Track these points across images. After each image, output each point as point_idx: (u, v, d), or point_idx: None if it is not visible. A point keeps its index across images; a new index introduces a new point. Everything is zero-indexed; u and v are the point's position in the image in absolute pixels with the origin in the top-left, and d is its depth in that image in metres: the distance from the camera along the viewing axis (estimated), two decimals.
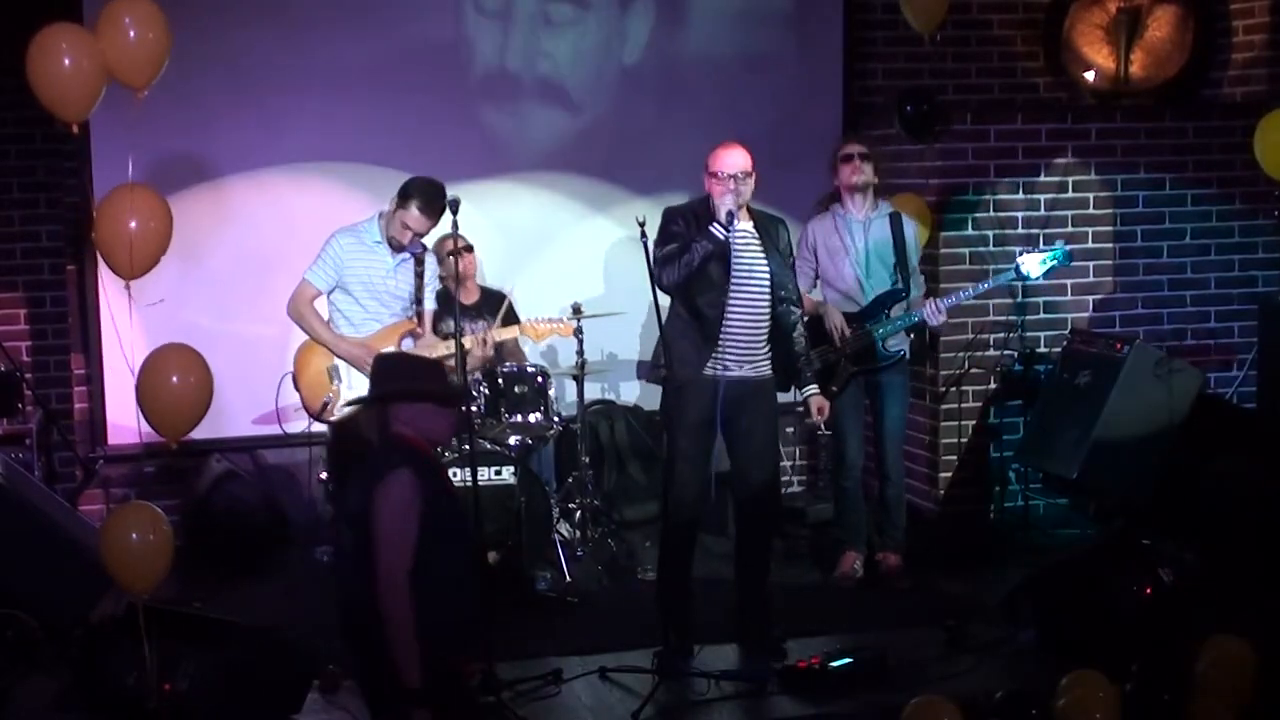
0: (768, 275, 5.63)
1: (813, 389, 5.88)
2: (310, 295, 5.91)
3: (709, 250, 5.49)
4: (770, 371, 5.72)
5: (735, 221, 5.50)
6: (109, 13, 4.43)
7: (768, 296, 5.64)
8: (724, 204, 5.50)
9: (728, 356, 5.59)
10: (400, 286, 5.93)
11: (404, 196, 5.82)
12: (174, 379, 4.44)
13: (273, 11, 7.23)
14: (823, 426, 6.11)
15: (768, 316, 5.66)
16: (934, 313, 6.35)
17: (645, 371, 5.95)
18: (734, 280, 5.56)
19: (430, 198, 5.79)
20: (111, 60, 4.39)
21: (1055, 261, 6.53)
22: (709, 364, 5.58)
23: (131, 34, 4.37)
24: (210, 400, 4.57)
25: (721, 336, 5.57)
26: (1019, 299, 7.16)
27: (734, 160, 5.57)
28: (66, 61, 4.31)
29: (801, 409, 6.00)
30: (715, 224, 5.50)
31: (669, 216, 5.68)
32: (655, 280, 5.52)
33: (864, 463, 6.58)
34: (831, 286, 6.50)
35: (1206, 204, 7.40)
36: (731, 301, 5.56)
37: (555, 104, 7.65)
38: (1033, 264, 6.49)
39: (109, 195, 4.51)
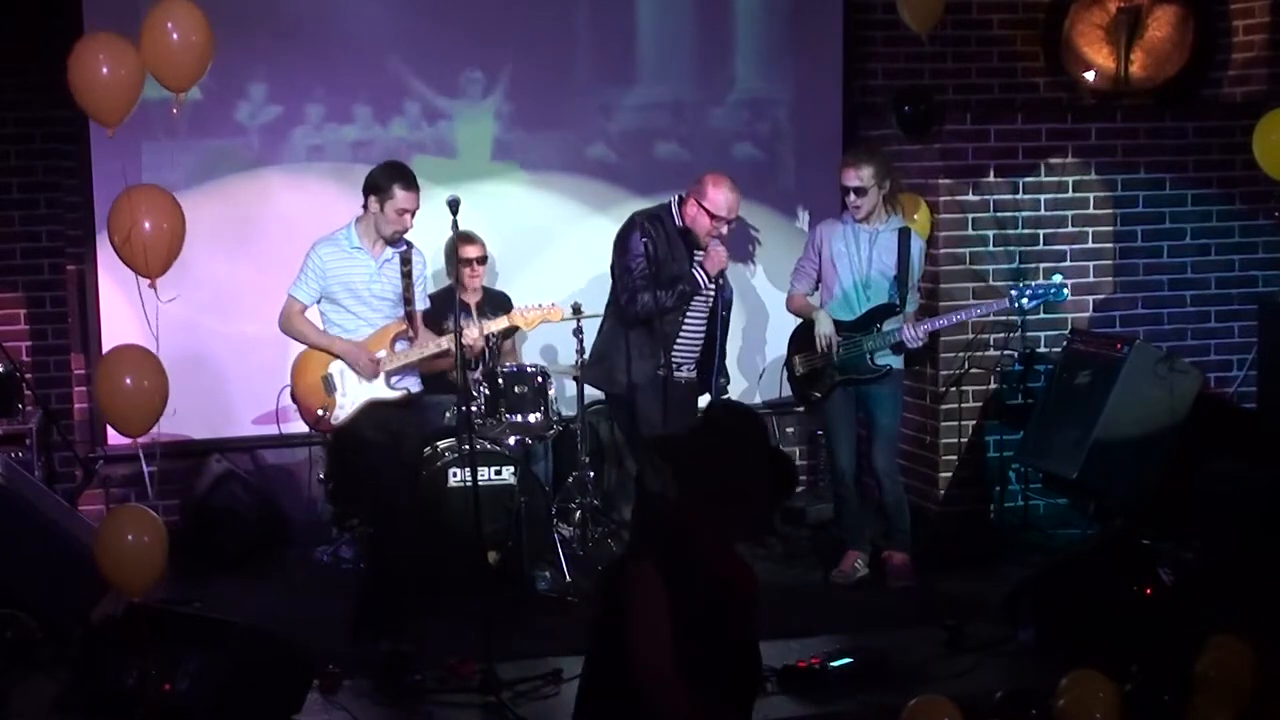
0: (715, 291, 6.04)
1: (706, 398, 6.20)
2: (297, 310, 5.87)
3: (690, 296, 5.94)
4: (695, 372, 6.12)
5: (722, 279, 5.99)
6: (152, 18, 4.43)
7: (712, 306, 6.06)
8: (718, 259, 5.91)
9: (675, 360, 5.98)
10: (386, 289, 5.85)
11: (380, 190, 5.74)
12: (128, 380, 4.42)
13: (271, 14, 7.23)
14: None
15: (707, 321, 6.08)
16: (912, 336, 6.32)
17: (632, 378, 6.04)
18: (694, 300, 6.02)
19: (403, 174, 5.80)
20: (152, 63, 4.40)
21: (1052, 298, 6.50)
22: (659, 368, 5.92)
23: (175, 37, 4.38)
24: (165, 401, 4.50)
25: (676, 344, 5.98)
26: None
27: (732, 203, 5.95)
28: (105, 69, 4.30)
29: (801, 409, 6.06)
30: (701, 269, 5.92)
31: (636, 228, 5.98)
32: (626, 302, 5.94)
33: (861, 463, 6.57)
34: (829, 291, 6.49)
35: (1206, 204, 7.39)
36: (686, 317, 6.01)
37: (557, 104, 7.65)
38: (1030, 299, 6.42)
39: (121, 196, 4.48)
